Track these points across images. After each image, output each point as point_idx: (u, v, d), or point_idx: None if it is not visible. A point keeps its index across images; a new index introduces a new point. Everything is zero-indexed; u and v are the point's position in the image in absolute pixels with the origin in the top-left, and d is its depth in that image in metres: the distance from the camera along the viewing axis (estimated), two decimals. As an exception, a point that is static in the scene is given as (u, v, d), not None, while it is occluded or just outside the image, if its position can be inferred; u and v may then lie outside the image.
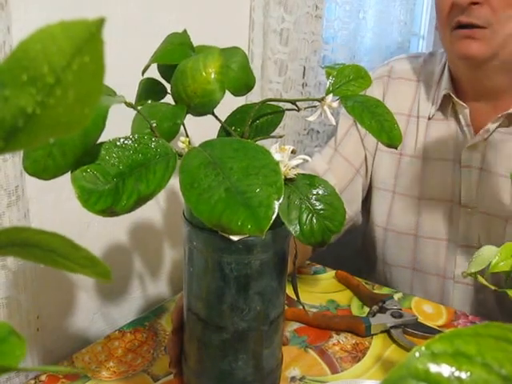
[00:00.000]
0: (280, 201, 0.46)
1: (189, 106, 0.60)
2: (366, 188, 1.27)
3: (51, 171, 0.48)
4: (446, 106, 1.15)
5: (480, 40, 0.98)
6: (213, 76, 0.58)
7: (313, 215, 0.63)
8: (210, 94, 0.59)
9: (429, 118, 1.17)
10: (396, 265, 1.26)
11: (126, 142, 0.53)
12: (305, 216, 0.62)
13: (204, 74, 0.58)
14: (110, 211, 0.49)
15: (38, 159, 0.47)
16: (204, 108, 0.61)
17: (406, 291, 1.21)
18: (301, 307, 1.00)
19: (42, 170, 0.48)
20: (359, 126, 1.21)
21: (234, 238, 0.59)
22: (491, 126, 1.08)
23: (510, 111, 1.06)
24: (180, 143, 0.60)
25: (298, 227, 0.62)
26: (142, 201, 0.50)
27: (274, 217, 0.45)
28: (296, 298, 0.75)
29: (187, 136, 0.62)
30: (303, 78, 1.41)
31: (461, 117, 1.12)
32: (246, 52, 1.15)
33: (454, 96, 1.11)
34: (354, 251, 1.38)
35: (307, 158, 0.67)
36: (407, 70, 1.24)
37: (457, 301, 1.19)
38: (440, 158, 1.16)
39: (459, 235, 1.16)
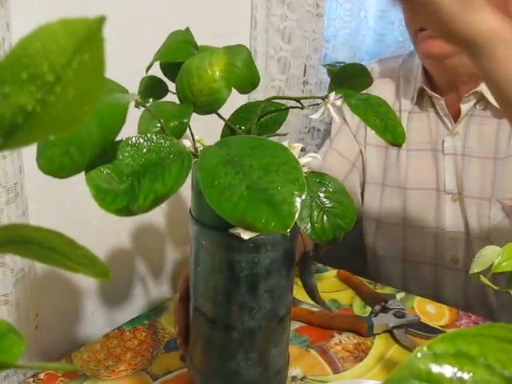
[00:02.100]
0: (303, 197, 0.46)
1: (194, 105, 0.60)
2: (363, 183, 1.31)
3: (67, 170, 0.48)
4: (422, 98, 1.21)
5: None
6: (218, 74, 0.58)
7: (324, 213, 0.63)
8: (216, 93, 0.59)
9: (409, 112, 1.23)
10: (387, 256, 1.30)
11: (138, 140, 0.53)
12: (316, 214, 0.63)
13: (210, 72, 0.58)
14: (126, 211, 0.49)
15: (53, 157, 0.47)
16: (210, 106, 0.61)
17: (399, 283, 1.26)
18: (302, 306, 1.00)
19: (58, 168, 0.47)
20: (349, 122, 1.29)
21: (245, 236, 0.59)
22: (463, 107, 1.14)
23: (476, 89, 1.11)
24: (187, 141, 0.60)
25: (310, 225, 0.62)
26: (159, 200, 0.50)
27: (297, 214, 0.45)
28: (313, 297, 0.75)
29: (192, 134, 0.61)
30: (304, 76, 1.41)
31: (438, 108, 1.18)
32: (248, 50, 1.15)
33: (427, 89, 1.18)
34: (349, 246, 1.40)
35: (317, 155, 0.67)
36: (387, 69, 1.31)
37: (450, 287, 1.23)
38: (423, 148, 1.21)
39: (446, 222, 1.19)
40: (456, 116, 1.16)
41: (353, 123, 1.28)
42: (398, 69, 1.28)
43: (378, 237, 1.30)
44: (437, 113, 1.19)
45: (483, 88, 1.10)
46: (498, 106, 1.07)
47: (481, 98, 1.13)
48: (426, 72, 1.20)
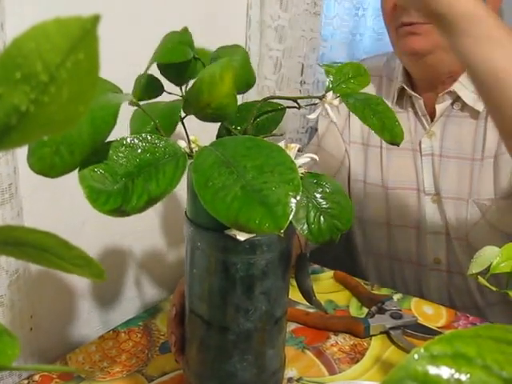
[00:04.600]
0: (297, 198, 0.46)
1: (196, 114, 0.59)
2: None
3: (58, 169, 0.47)
4: (402, 98, 1.21)
5: (421, 34, 1.04)
6: (229, 89, 0.57)
7: (320, 214, 0.63)
8: (225, 108, 0.58)
9: None
10: (374, 253, 1.31)
11: (133, 141, 0.52)
12: (312, 215, 0.63)
13: (221, 86, 0.57)
14: (120, 211, 0.49)
15: (44, 157, 0.47)
16: (216, 119, 0.61)
17: (388, 280, 1.28)
18: (298, 307, 1.00)
19: (49, 167, 0.47)
20: (336, 121, 1.28)
21: (241, 237, 0.59)
22: (438, 107, 1.14)
23: (450, 89, 1.12)
24: (182, 142, 0.60)
25: (306, 226, 0.62)
26: (152, 201, 0.50)
27: (292, 215, 0.45)
28: (309, 299, 0.76)
29: (187, 135, 0.61)
30: (301, 75, 1.41)
31: (417, 107, 1.18)
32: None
33: (407, 88, 1.17)
34: (346, 248, 1.40)
35: (314, 156, 0.67)
36: (371, 67, 1.28)
37: (433, 288, 1.24)
38: (403, 148, 1.19)
39: (427, 223, 1.20)
40: (433, 116, 1.17)
41: (339, 122, 1.29)
42: (382, 68, 1.29)
43: (363, 235, 1.32)
44: (415, 113, 1.19)
45: (457, 87, 1.11)
46: (473, 106, 1.09)
47: (457, 99, 1.13)
48: (406, 71, 1.19)
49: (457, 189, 1.14)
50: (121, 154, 0.51)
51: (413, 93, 1.17)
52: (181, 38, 0.69)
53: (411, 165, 1.20)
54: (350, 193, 1.30)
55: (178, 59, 0.66)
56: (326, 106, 0.66)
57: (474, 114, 1.12)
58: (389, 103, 1.19)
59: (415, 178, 1.20)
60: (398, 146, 0.65)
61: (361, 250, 1.35)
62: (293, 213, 0.45)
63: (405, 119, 1.20)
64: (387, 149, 1.22)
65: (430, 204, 1.19)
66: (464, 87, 1.11)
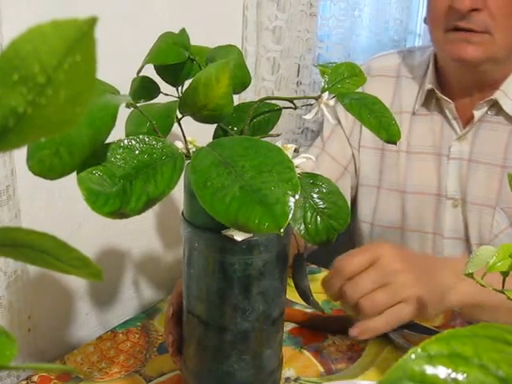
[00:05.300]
0: (296, 197, 0.46)
1: (193, 115, 0.59)
2: (355, 186, 1.29)
3: (57, 171, 0.47)
4: (429, 100, 1.16)
5: (476, 44, 1.00)
6: (225, 90, 0.57)
7: (317, 214, 0.63)
8: (221, 108, 0.58)
9: (413, 113, 1.19)
10: None
11: (131, 142, 0.52)
12: (309, 215, 0.63)
13: (217, 88, 0.57)
14: (119, 213, 0.49)
15: (43, 158, 0.47)
16: (213, 120, 0.61)
17: None
18: (295, 307, 1.00)
19: (48, 169, 0.47)
20: (343, 124, 1.25)
21: (238, 238, 0.59)
22: (476, 114, 1.10)
23: (492, 97, 1.08)
24: (179, 143, 0.60)
25: (303, 226, 0.62)
26: (151, 202, 0.50)
27: (291, 214, 0.45)
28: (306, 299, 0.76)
29: (184, 136, 0.61)
30: (297, 76, 1.41)
31: (446, 111, 1.14)
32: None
33: (438, 92, 1.13)
34: (340, 244, 1.39)
35: (311, 156, 0.67)
36: (385, 66, 1.25)
37: None
38: (425, 152, 1.18)
39: (445, 228, 1.17)
40: (464, 119, 1.13)
41: (347, 125, 1.25)
42: (398, 66, 1.24)
43: (373, 240, 1.27)
44: (444, 116, 1.15)
45: (498, 95, 1.07)
46: (511, 113, 1.07)
47: (493, 105, 1.09)
48: (436, 74, 1.15)
49: (484, 195, 1.11)
50: (119, 156, 0.51)
51: (444, 97, 1.13)
52: (175, 39, 0.69)
53: (434, 169, 1.17)
54: (358, 197, 1.28)
55: (172, 60, 0.66)
56: (322, 106, 0.66)
57: (509, 120, 1.09)
58: (410, 105, 1.19)
59: (436, 182, 1.17)
60: (395, 144, 0.65)
61: None
62: (292, 212, 0.45)
63: (430, 122, 1.17)
64: (407, 152, 1.19)
65: (451, 209, 1.16)
66: (505, 95, 1.07)
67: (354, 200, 1.30)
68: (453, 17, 1.00)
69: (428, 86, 1.14)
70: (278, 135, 0.71)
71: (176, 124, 0.60)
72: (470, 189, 1.13)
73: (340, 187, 1.22)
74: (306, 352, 0.91)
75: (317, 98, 0.67)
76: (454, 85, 1.13)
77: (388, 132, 0.64)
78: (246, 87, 0.71)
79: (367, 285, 0.79)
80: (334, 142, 1.26)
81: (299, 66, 1.40)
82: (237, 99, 0.72)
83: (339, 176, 1.25)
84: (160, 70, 0.69)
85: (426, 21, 1.10)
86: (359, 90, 1.19)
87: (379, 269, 0.80)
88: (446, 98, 1.13)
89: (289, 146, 0.65)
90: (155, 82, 0.69)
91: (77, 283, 0.97)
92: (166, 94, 0.69)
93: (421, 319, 0.85)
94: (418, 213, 1.20)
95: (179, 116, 0.61)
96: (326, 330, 0.96)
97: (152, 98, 0.68)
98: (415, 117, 1.19)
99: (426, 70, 1.18)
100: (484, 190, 1.12)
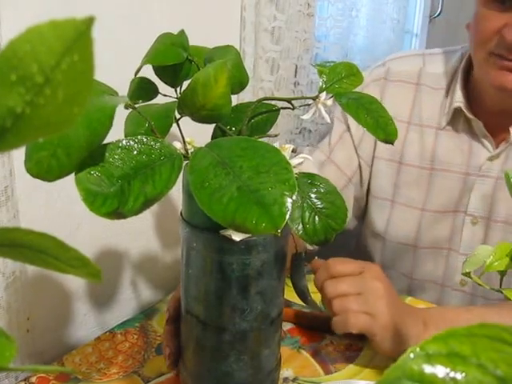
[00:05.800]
0: (293, 198, 0.46)
1: (192, 115, 0.59)
2: (363, 197, 1.26)
3: (55, 172, 0.47)
4: (457, 118, 1.12)
5: None
6: (223, 90, 0.57)
7: (315, 214, 0.63)
8: (219, 108, 0.58)
9: (438, 129, 1.15)
10: (394, 272, 1.25)
11: (129, 143, 0.52)
12: (307, 215, 0.63)
13: (215, 88, 0.57)
14: (116, 213, 0.49)
15: (41, 160, 0.46)
16: (211, 120, 0.60)
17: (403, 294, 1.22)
18: (294, 307, 1.00)
19: (46, 171, 0.47)
20: (353, 132, 1.21)
21: (236, 238, 0.59)
22: None
23: None
24: (177, 143, 0.60)
25: (301, 226, 0.62)
26: (149, 202, 0.50)
27: (288, 215, 0.45)
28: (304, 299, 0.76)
29: (182, 136, 0.61)
30: (295, 76, 1.41)
31: (476, 129, 1.11)
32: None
33: (467, 112, 1.09)
34: (348, 253, 1.39)
35: (308, 157, 0.67)
36: (405, 71, 1.20)
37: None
38: (452, 170, 1.14)
39: (462, 244, 1.15)
40: (495, 137, 1.10)
41: (357, 134, 1.21)
42: (419, 73, 1.18)
43: (384, 253, 1.25)
44: (472, 133, 1.11)
45: None
46: None
47: None
48: (466, 92, 1.10)
49: (510, 213, 1.10)
50: (117, 156, 0.51)
51: (472, 117, 1.08)
52: (174, 40, 0.69)
53: (457, 186, 1.14)
54: (369, 209, 1.25)
55: (170, 61, 0.66)
56: (320, 106, 0.66)
57: None
58: (434, 119, 1.15)
59: (457, 199, 1.14)
60: (393, 144, 0.64)
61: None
62: (289, 212, 0.45)
63: (457, 140, 1.13)
64: (430, 169, 1.15)
65: (470, 226, 1.14)
66: None
67: (365, 211, 1.27)
68: (500, 45, 0.96)
69: (455, 104, 1.10)
70: (276, 135, 0.71)
71: (174, 124, 0.60)
72: (495, 207, 1.11)
73: (343, 196, 1.22)
74: (304, 352, 0.91)
75: (314, 98, 0.67)
76: (487, 103, 1.09)
77: (385, 132, 0.63)
78: (244, 87, 0.71)
79: (345, 288, 0.84)
80: (340, 151, 1.22)
81: (297, 66, 1.40)
82: (235, 100, 0.73)
83: (343, 186, 1.21)
84: (158, 70, 0.69)
85: (468, 27, 1.06)
86: (378, 94, 1.18)
87: (361, 279, 0.84)
88: (475, 119, 1.09)
89: (286, 146, 0.65)
90: (153, 83, 0.69)
91: (75, 284, 0.97)
92: (165, 95, 0.69)
93: (373, 347, 0.85)
94: (435, 229, 1.17)
95: (178, 116, 0.61)
96: (324, 329, 0.96)
97: (150, 99, 0.68)
98: (440, 133, 1.15)
99: (451, 81, 1.15)
100: (510, 208, 1.10)
